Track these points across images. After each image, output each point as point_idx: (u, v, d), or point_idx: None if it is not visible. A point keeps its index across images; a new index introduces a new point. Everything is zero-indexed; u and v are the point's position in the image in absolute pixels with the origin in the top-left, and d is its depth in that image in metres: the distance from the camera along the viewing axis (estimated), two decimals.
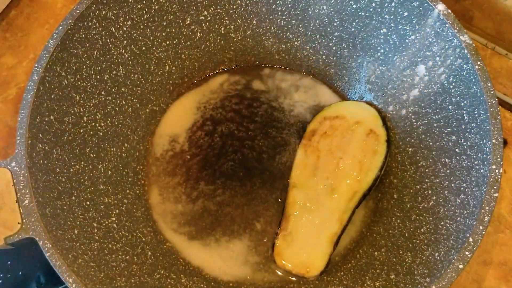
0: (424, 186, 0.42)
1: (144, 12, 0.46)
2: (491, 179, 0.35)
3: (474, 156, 0.38)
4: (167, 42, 0.49)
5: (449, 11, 0.41)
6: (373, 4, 0.45)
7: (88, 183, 0.42)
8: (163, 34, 0.49)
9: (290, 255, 0.43)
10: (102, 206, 0.42)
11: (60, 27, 0.41)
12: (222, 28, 0.51)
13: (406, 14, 0.44)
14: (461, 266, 0.33)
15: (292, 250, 0.43)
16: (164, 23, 0.48)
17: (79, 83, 0.43)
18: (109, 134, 0.46)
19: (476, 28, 0.54)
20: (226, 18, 0.51)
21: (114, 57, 0.46)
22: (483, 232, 0.34)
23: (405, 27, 0.44)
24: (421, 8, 0.42)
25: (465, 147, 0.39)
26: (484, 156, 0.37)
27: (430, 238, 0.39)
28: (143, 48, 0.48)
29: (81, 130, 0.43)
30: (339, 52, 0.50)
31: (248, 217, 0.46)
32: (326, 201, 0.44)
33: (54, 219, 0.37)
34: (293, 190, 0.45)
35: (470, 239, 0.34)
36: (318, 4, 0.48)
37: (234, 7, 0.50)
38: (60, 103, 0.41)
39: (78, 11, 0.42)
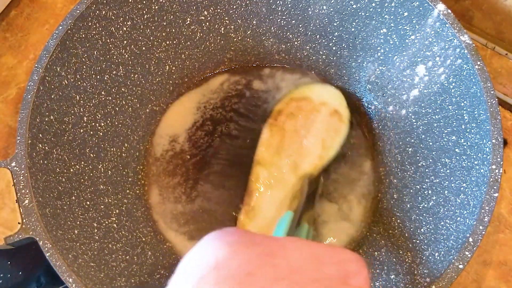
0: (424, 186, 0.42)
1: (144, 12, 0.46)
2: (491, 179, 0.35)
3: (474, 156, 0.38)
4: (167, 42, 0.49)
5: (449, 11, 0.41)
6: (373, 4, 0.45)
7: (88, 183, 0.42)
8: (163, 34, 0.49)
9: (253, 230, 0.43)
10: (102, 206, 0.42)
11: (60, 27, 0.41)
12: (222, 28, 0.51)
13: (406, 14, 0.44)
14: (461, 266, 0.33)
15: (254, 225, 0.44)
16: (164, 23, 0.48)
17: (79, 83, 0.43)
18: (109, 134, 0.46)
19: (476, 28, 0.54)
20: (226, 18, 0.51)
21: (114, 57, 0.46)
22: (483, 232, 0.34)
23: (405, 27, 0.44)
24: (421, 8, 0.42)
25: (465, 147, 0.39)
26: (484, 156, 0.37)
27: (430, 238, 0.39)
28: (143, 48, 0.48)
29: (81, 130, 0.43)
30: (339, 52, 0.50)
31: None
32: (289, 178, 0.45)
33: (54, 219, 0.37)
34: (257, 167, 0.46)
35: (470, 239, 0.34)
36: (318, 4, 0.48)
37: (234, 7, 0.50)
38: (60, 103, 0.41)
39: (78, 11, 0.42)
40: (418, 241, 0.40)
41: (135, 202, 0.46)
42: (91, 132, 0.44)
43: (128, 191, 0.46)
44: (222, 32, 0.51)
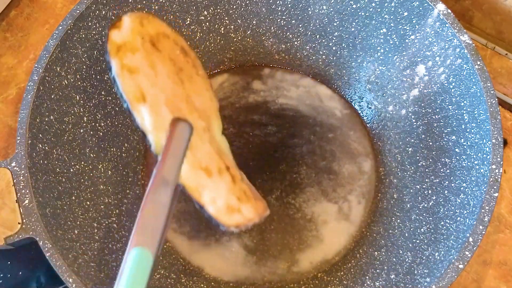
0: (424, 186, 0.42)
1: (144, 12, 0.46)
2: (491, 179, 0.35)
3: (474, 156, 0.38)
4: None
5: (449, 11, 0.41)
6: (373, 4, 0.45)
7: (88, 183, 0.42)
8: None
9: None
10: (102, 206, 0.42)
11: (60, 27, 0.41)
12: (222, 28, 0.51)
13: (406, 14, 0.44)
14: (461, 266, 0.33)
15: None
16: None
17: (79, 83, 0.43)
18: (109, 134, 0.46)
19: (476, 28, 0.54)
20: (226, 18, 0.51)
21: None
22: (483, 232, 0.34)
23: (405, 27, 0.44)
24: (421, 8, 0.42)
25: (465, 147, 0.39)
26: (484, 156, 0.37)
27: (430, 238, 0.39)
28: None
29: (81, 130, 0.43)
30: (339, 52, 0.50)
31: None
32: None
33: (54, 219, 0.37)
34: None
35: (470, 239, 0.34)
36: (318, 4, 0.48)
37: (234, 7, 0.50)
38: (60, 103, 0.41)
39: (78, 11, 0.42)
40: (418, 241, 0.40)
41: (135, 202, 0.46)
42: (91, 132, 0.44)
43: (128, 191, 0.46)
44: (222, 32, 0.51)
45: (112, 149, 0.46)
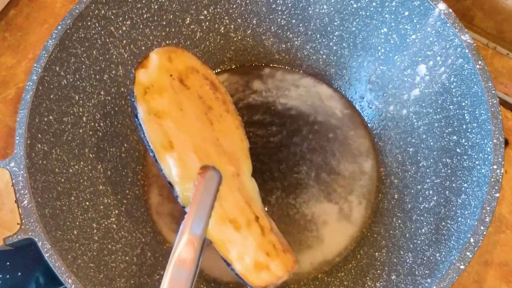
0: (425, 186, 0.42)
1: (144, 11, 0.46)
2: (492, 179, 0.35)
3: (475, 156, 0.38)
4: (167, 42, 0.49)
5: (450, 10, 0.41)
6: (374, 4, 0.45)
7: (88, 183, 0.42)
8: (163, 33, 0.48)
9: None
10: (101, 207, 0.42)
11: (59, 27, 0.41)
12: (222, 28, 0.51)
13: (407, 13, 0.43)
14: (462, 267, 0.33)
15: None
16: (164, 23, 0.48)
17: (78, 83, 0.43)
18: (108, 134, 0.45)
19: (477, 27, 0.54)
20: (226, 18, 0.50)
21: (114, 56, 0.45)
22: (484, 233, 0.34)
23: (405, 26, 0.44)
24: (422, 8, 0.42)
25: (466, 147, 0.39)
26: (485, 156, 0.36)
27: (431, 238, 0.39)
28: (143, 48, 0.47)
29: (80, 130, 0.43)
30: (339, 52, 0.50)
31: None
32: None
33: (53, 220, 0.37)
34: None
35: (471, 240, 0.34)
36: (319, 4, 0.48)
37: (234, 6, 0.50)
38: (59, 103, 0.41)
39: (77, 11, 0.41)
40: (419, 242, 0.39)
41: (135, 202, 0.46)
42: (91, 132, 0.44)
43: (127, 191, 0.46)
44: (222, 31, 0.51)
45: (111, 149, 0.46)
